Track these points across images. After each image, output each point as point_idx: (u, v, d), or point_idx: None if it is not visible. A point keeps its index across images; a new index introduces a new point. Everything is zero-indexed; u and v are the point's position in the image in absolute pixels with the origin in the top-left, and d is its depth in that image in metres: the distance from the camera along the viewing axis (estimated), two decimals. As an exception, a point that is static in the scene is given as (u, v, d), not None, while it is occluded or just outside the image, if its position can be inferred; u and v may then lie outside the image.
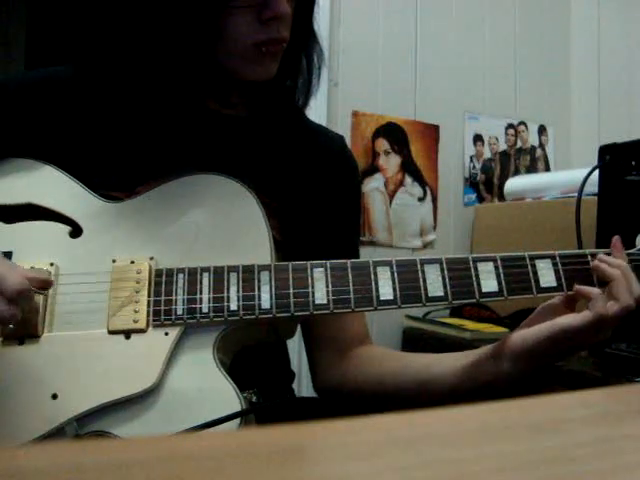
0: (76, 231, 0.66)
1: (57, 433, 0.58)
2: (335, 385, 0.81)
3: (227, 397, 0.59)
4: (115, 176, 0.70)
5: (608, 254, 0.67)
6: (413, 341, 1.63)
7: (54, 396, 0.59)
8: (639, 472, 0.23)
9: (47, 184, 0.68)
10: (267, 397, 0.75)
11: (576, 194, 0.92)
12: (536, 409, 0.31)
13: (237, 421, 0.57)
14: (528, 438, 0.26)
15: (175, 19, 0.67)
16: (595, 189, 1.11)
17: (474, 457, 0.23)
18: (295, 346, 1.52)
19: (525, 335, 0.65)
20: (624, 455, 0.24)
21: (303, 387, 1.55)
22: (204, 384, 0.60)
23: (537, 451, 0.24)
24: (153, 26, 0.68)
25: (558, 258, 0.66)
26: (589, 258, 0.67)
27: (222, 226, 0.65)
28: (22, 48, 2.68)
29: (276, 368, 0.83)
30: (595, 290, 0.63)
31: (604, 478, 0.22)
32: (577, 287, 0.65)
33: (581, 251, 0.68)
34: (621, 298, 0.62)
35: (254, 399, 0.73)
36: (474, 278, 0.64)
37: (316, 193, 0.82)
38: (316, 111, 1.57)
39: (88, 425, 0.59)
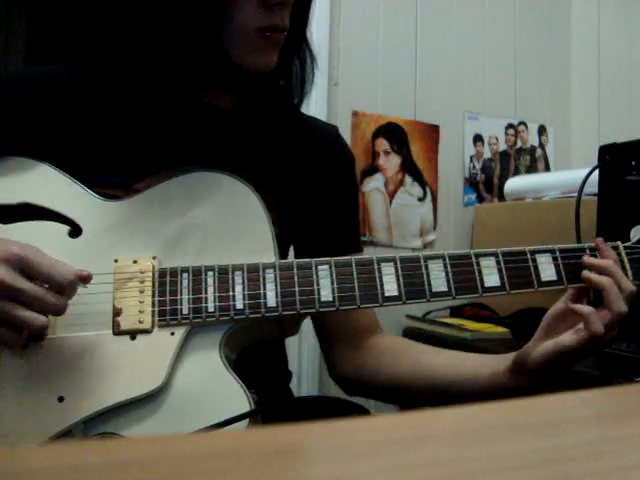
0: (75, 231, 0.65)
1: (64, 436, 0.57)
2: (352, 377, 0.84)
3: (236, 396, 0.58)
4: (112, 174, 0.70)
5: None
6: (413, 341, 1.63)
7: (60, 399, 0.58)
8: (638, 472, 0.23)
9: (44, 183, 0.67)
10: (267, 397, 0.75)
11: (576, 194, 0.92)
12: (536, 409, 0.31)
13: (246, 421, 0.57)
14: (528, 438, 0.26)
15: (182, 5, 0.67)
16: (595, 189, 1.11)
17: (474, 457, 0.23)
18: (295, 346, 1.52)
19: (540, 352, 0.67)
20: (624, 455, 0.24)
21: (303, 387, 1.55)
22: (212, 383, 0.59)
23: (537, 451, 0.24)
24: (160, 12, 0.68)
25: (558, 252, 0.68)
26: (587, 252, 0.69)
27: (224, 224, 0.65)
28: (22, 48, 2.68)
29: (275, 368, 0.83)
30: (586, 309, 0.64)
31: (603, 478, 0.22)
32: (572, 306, 0.66)
33: (579, 245, 0.70)
34: (612, 307, 0.64)
35: (255, 399, 0.73)
36: (477, 273, 0.65)
37: (313, 185, 0.82)
38: (316, 111, 1.57)
39: (96, 427, 0.58)
